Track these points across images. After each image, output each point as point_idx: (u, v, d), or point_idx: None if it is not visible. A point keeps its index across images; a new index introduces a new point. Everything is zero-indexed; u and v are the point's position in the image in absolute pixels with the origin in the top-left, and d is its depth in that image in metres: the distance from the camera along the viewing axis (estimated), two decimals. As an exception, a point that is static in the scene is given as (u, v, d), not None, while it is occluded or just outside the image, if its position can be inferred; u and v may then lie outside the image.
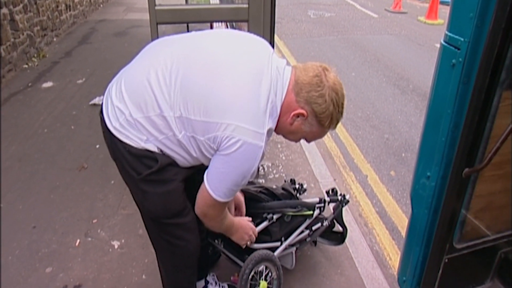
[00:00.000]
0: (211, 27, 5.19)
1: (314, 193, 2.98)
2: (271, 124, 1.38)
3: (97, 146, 3.48)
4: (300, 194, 2.45)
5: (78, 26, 7.93)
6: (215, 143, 1.33)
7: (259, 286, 1.88)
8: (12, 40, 5.25)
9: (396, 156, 3.73)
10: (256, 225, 1.90)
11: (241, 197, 1.89)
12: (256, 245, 1.93)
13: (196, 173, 1.57)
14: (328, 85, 1.37)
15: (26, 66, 5.55)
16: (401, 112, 4.63)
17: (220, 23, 4.88)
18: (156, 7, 2.63)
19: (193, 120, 1.33)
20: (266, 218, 1.95)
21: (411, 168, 1.59)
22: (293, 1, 11.35)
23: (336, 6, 10.96)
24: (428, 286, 1.65)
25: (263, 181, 3.13)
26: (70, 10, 7.67)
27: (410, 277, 1.70)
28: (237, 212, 1.89)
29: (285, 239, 2.02)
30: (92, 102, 4.37)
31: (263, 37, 2.76)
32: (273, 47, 2.83)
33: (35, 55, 5.88)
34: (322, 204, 2.15)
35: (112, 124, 1.42)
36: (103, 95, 1.54)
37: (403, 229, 2.71)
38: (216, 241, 2.07)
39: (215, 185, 1.40)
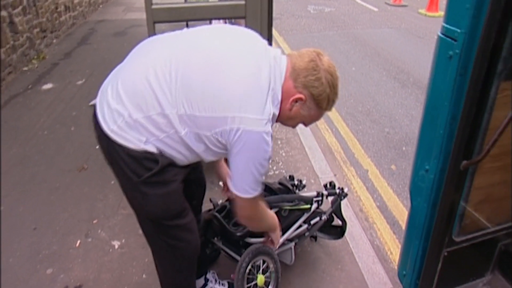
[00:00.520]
0: (210, 23, 5.19)
1: (314, 189, 2.96)
2: (275, 110, 1.41)
3: (97, 146, 3.40)
4: (299, 190, 2.44)
5: (77, 27, 7.93)
6: (223, 137, 1.35)
7: (256, 280, 1.87)
8: (12, 42, 5.26)
9: (397, 150, 3.71)
10: None
11: None
12: (253, 240, 1.93)
13: (191, 172, 1.56)
14: (323, 68, 1.42)
15: (26, 68, 5.55)
16: (402, 105, 4.61)
17: (218, 20, 4.88)
18: (153, 6, 2.62)
19: (198, 117, 1.34)
20: None
21: (412, 162, 1.58)
22: (292, -4, 11.31)
23: (336, 1, 10.91)
24: (428, 279, 1.64)
25: (263, 177, 3.12)
26: (69, 11, 7.66)
27: (410, 271, 1.69)
28: None
29: (283, 234, 2.01)
30: (92, 102, 4.35)
31: (261, 33, 2.76)
32: (270, 43, 2.82)
33: (35, 57, 5.88)
34: (320, 198, 2.14)
35: (110, 127, 1.40)
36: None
37: (404, 223, 2.68)
38: (215, 238, 2.07)
39: (242, 186, 1.44)
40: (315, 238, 2.44)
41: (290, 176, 2.45)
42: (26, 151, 3.54)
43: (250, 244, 1.90)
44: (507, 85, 1.40)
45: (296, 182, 2.45)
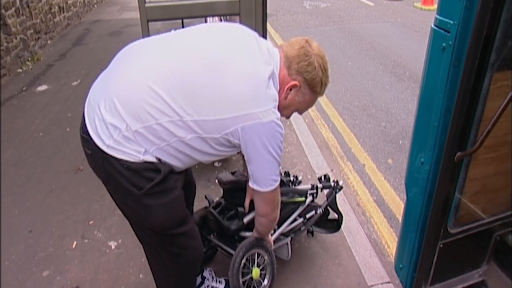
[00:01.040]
0: (205, 21, 5.17)
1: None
2: (277, 95, 1.43)
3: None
4: (295, 186, 2.43)
5: (72, 27, 7.90)
6: (235, 136, 1.36)
7: (251, 273, 1.85)
8: (5, 44, 5.23)
9: (394, 144, 3.70)
10: (247, 214, 1.90)
11: None
12: (247, 233, 1.92)
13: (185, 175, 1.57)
14: (314, 53, 1.47)
15: (20, 70, 5.53)
16: (398, 99, 4.60)
17: (213, 18, 4.85)
18: (146, 4, 2.60)
19: (208, 121, 1.33)
20: None
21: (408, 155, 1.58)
22: (288, -8, 11.27)
23: (331, -4, 10.88)
24: (424, 272, 1.64)
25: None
26: (63, 12, 7.63)
27: (407, 264, 1.69)
28: None
29: (278, 227, 2.00)
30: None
31: (256, 30, 2.75)
32: (265, 39, 2.81)
33: (29, 59, 5.86)
34: (315, 191, 2.13)
35: (105, 143, 1.34)
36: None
37: (401, 217, 2.69)
38: (211, 235, 2.06)
39: (267, 179, 1.48)
40: (312, 233, 2.43)
41: (285, 172, 2.44)
42: (22, 153, 3.53)
43: (244, 237, 1.89)
44: (501, 76, 1.39)
45: (292, 178, 2.44)
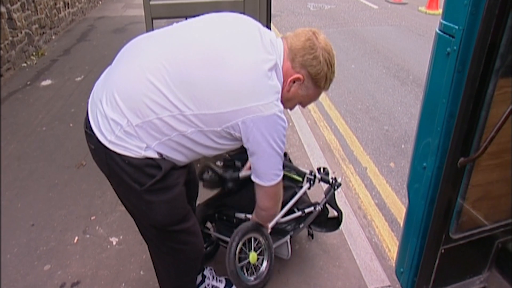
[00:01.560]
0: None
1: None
2: (280, 86, 1.40)
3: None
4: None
5: (76, 23, 7.91)
6: (236, 130, 1.34)
7: (249, 258, 1.83)
8: (10, 38, 5.25)
9: (396, 148, 3.70)
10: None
11: None
12: (242, 215, 1.94)
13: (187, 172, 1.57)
14: (320, 47, 1.41)
15: (25, 64, 5.54)
16: (401, 103, 4.60)
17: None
18: (151, 2, 2.62)
19: (208, 115, 1.31)
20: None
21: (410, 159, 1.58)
22: (292, -6, 11.27)
23: (336, -2, 10.88)
24: (425, 277, 1.64)
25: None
26: (68, 8, 7.64)
27: (408, 269, 1.69)
28: None
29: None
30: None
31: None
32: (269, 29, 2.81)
33: (34, 54, 5.87)
34: (312, 177, 2.12)
35: (107, 138, 1.35)
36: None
37: (402, 221, 2.69)
38: (210, 226, 2.06)
39: (270, 173, 1.45)
40: (312, 236, 2.43)
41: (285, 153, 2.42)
42: (25, 147, 3.54)
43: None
44: (505, 83, 1.39)
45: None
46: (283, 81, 1.43)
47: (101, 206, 2.80)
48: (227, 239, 1.96)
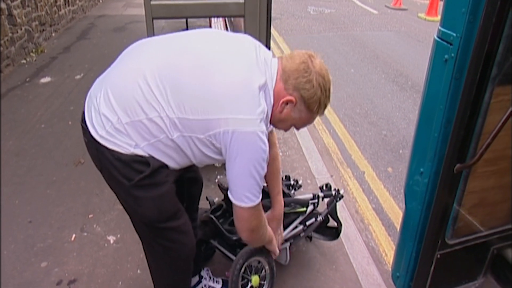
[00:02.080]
0: (210, 23, 5.19)
1: (310, 189, 2.97)
2: (269, 109, 1.39)
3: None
4: (295, 190, 2.45)
5: (77, 21, 7.91)
6: (218, 140, 1.34)
7: (251, 281, 1.88)
8: (10, 35, 5.25)
9: (394, 153, 3.72)
10: None
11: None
12: None
13: (186, 171, 1.57)
14: (315, 71, 1.39)
15: (24, 61, 5.54)
16: (400, 108, 4.63)
17: (217, 19, 4.88)
18: (152, 2, 2.62)
19: (191, 120, 1.33)
20: None
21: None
22: (293, -3, 11.32)
23: (336, 2, 10.93)
24: (421, 282, 1.65)
25: (263, 182, 3.12)
26: (68, 5, 7.65)
27: (404, 273, 1.70)
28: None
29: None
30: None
31: (260, 32, 2.76)
32: (269, 42, 2.83)
33: (34, 50, 5.87)
34: (316, 200, 2.14)
35: (98, 133, 1.39)
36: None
37: (399, 226, 2.71)
38: (211, 240, 2.07)
39: (243, 193, 1.40)
40: (310, 238, 2.45)
41: (286, 176, 2.46)
42: (23, 144, 3.54)
43: (245, 244, 1.90)
44: (502, 91, 1.41)
45: (292, 182, 2.46)
46: (275, 101, 1.41)
47: (99, 204, 2.80)
48: (229, 254, 1.98)
